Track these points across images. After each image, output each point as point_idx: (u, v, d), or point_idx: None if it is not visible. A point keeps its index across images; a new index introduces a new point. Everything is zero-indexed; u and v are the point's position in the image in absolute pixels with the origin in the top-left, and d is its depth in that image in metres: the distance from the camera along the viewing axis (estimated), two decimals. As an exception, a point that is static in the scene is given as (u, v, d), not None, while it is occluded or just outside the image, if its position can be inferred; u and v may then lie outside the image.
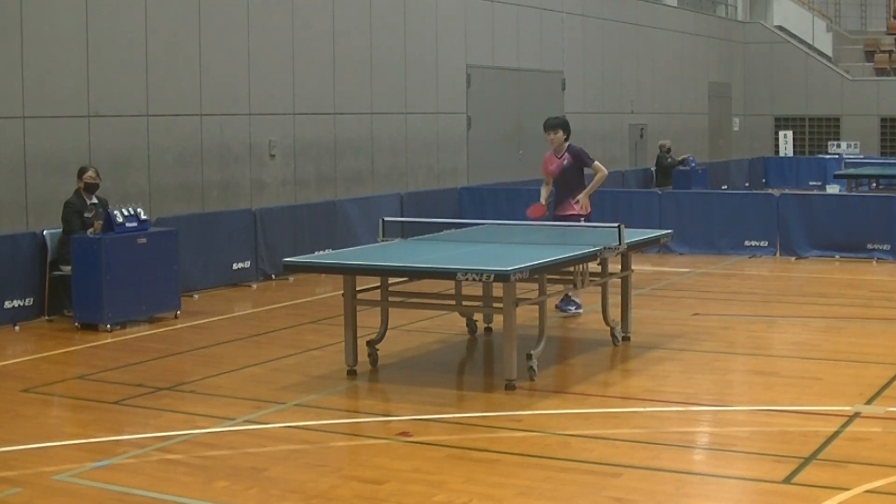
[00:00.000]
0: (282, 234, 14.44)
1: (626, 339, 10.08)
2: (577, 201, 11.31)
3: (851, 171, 24.07)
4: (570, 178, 11.45)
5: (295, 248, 13.86)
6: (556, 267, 8.87)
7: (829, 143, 30.80)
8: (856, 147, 29.72)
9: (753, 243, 16.18)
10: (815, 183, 27.26)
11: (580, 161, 11.47)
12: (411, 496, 6.05)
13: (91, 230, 11.18)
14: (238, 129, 14.62)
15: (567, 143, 11.51)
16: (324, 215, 15.27)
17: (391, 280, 9.29)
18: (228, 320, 11.67)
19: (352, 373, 8.93)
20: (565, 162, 11.43)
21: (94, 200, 11.56)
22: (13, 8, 11.81)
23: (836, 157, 27.98)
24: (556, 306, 11.39)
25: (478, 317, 10.53)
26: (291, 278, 14.14)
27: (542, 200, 11.40)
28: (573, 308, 11.46)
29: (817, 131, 31.60)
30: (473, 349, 10.27)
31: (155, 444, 7.03)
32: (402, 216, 16.00)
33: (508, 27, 20.52)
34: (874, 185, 24.16)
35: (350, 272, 8.78)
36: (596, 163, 11.55)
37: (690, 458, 6.94)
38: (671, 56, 27.13)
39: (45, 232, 11.60)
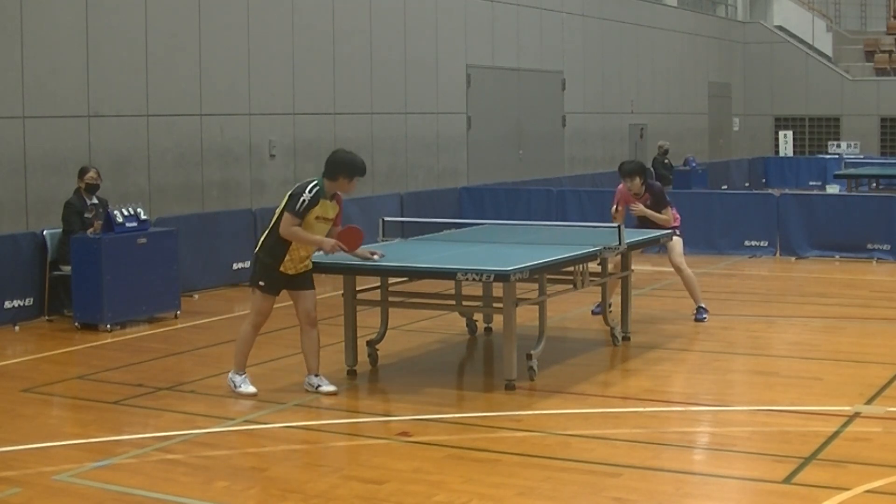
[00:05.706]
0: (282, 235, 14.41)
1: (626, 339, 10.07)
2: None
3: (851, 171, 24.08)
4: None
5: (295, 248, 13.82)
6: (556, 267, 8.88)
7: (829, 143, 30.80)
8: (856, 147, 29.72)
9: (753, 243, 16.18)
10: (815, 183, 27.27)
11: (659, 201, 11.04)
12: (411, 496, 6.05)
13: (91, 230, 11.18)
14: (238, 129, 14.61)
15: (644, 184, 11.06)
16: (324, 215, 15.24)
17: (391, 280, 9.29)
18: (228, 320, 11.66)
19: (352, 373, 8.93)
20: (648, 203, 11.02)
21: (95, 201, 11.56)
22: (13, 8, 11.81)
23: (836, 157, 27.98)
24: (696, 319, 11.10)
25: (478, 317, 10.53)
26: (291, 278, 14.11)
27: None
28: (706, 315, 11.14)
29: (817, 131, 31.60)
30: (473, 349, 10.26)
31: (155, 444, 7.03)
32: (402, 216, 15.99)
33: (508, 27, 20.51)
34: (874, 185, 24.17)
35: (350, 272, 8.78)
36: (668, 211, 11.06)
37: (690, 458, 6.94)
38: (671, 56, 27.12)
39: (45, 232, 11.60)
